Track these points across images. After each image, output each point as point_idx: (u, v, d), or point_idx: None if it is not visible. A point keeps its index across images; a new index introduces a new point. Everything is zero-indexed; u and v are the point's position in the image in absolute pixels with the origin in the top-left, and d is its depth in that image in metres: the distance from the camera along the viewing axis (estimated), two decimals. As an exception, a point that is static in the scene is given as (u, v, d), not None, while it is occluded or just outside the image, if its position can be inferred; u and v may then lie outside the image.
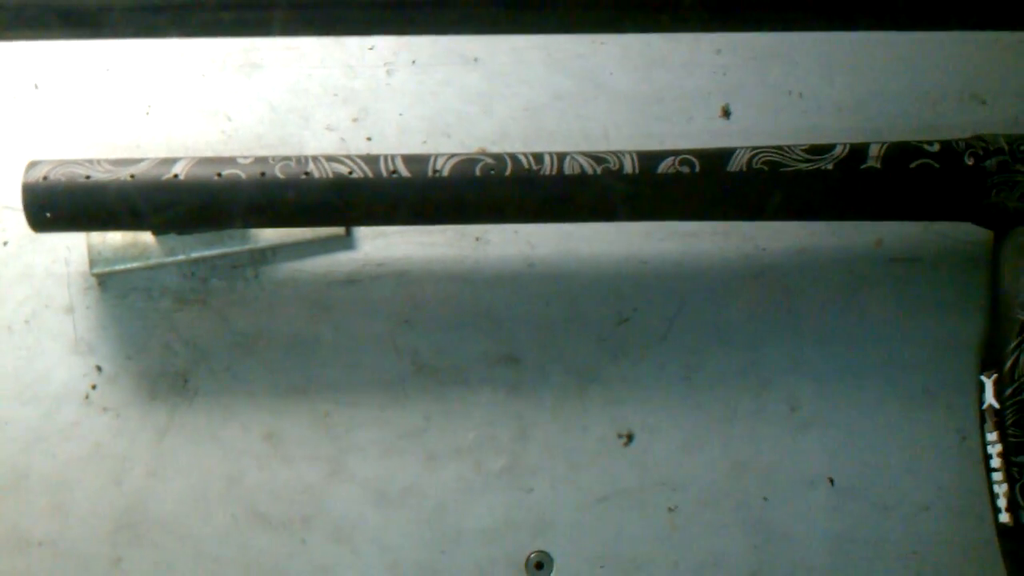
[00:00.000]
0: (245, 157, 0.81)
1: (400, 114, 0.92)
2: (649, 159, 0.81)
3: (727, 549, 0.89)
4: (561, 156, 0.81)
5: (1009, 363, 0.80)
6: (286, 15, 0.77)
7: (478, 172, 0.80)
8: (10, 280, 0.89)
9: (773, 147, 0.81)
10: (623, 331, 0.90)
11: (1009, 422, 0.79)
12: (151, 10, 0.73)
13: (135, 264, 0.88)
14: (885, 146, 0.81)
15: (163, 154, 0.83)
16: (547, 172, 0.80)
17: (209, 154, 0.82)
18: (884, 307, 0.91)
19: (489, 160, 0.80)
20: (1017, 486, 0.79)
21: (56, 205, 0.80)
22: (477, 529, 0.89)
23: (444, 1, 0.79)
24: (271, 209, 0.80)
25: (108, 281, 0.89)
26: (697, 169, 0.80)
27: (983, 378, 0.82)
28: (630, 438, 0.90)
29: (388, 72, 0.92)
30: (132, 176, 0.80)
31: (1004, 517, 0.80)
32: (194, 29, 0.76)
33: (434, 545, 0.89)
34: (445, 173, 0.80)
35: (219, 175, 0.80)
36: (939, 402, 0.90)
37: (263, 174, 0.80)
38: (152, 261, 0.88)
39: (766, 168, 0.80)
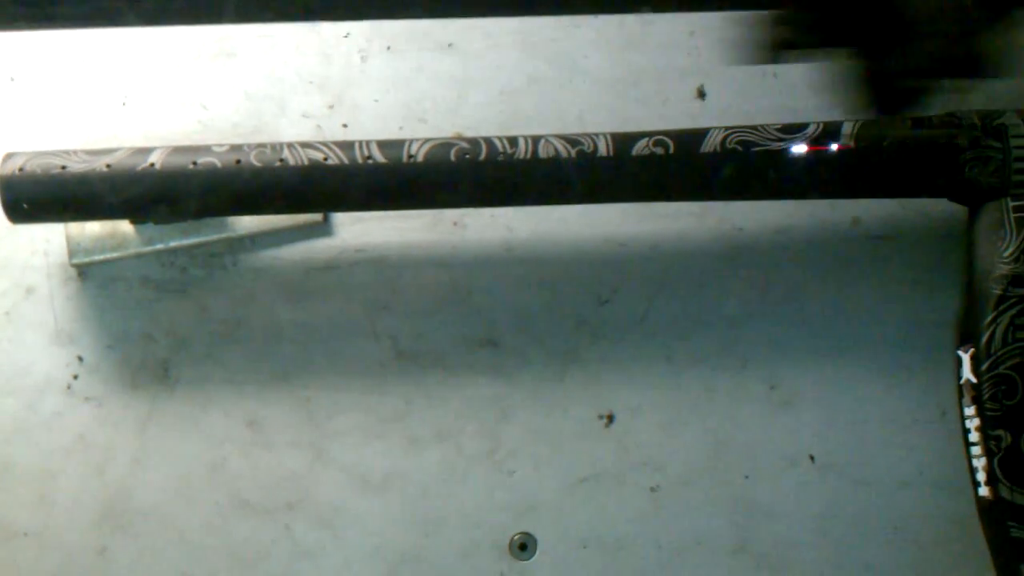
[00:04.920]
0: (220, 145, 0.81)
1: (376, 100, 0.92)
2: (623, 141, 0.81)
3: (709, 527, 0.90)
4: (536, 139, 0.81)
5: (985, 337, 0.80)
6: (261, 1, 0.77)
7: (453, 157, 0.80)
8: (-11, 273, 0.90)
9: (747, 127, 0.81)
10: (602, 313, 0.91)
11: (986, 396, 0.80)
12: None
13: (114, 254, 0.88)
14: (858, 124, 0.81)
15: (140, 144, 0.83)
16: (522, 156, 0.80)
17: (186, 143, 0.83)
18: (862, 284, 0.91)
19: (464, 144, 0.81)
20: (995, 460, 0.79)
21: (33, 196, 0.80)
22: (460, 512, 0.89)
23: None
24: (247, 196, 0.81)
25: (88, 271, 0.89)
26: (671, 150, 0.81)
27: (960, 353, 0.82)
28: (611, 419, 0.90)
29: (363, 58, 0.92)
30: (108, 166, 0.80)
31: (984, 491, 0.80)
32: (169, 16, 0.76)
33: (418, 529, 0.89)
34: (420, 158, 0.80)
35: (194, 163, 0.80)
36: (918, 378, 0.91)
37: (238, 162, 0.80)
38: (131, 251, 0.88)
39: (740, 148, 0.81)
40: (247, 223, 0.89)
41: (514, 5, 0.84)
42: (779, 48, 0.77)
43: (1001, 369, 0.79)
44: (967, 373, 0.81)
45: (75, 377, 0.89)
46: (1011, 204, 0.81)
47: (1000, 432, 0.79)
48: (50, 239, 0.89)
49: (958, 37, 0.73)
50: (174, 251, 0.89)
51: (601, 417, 0.90)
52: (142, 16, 0.68)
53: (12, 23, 0.68)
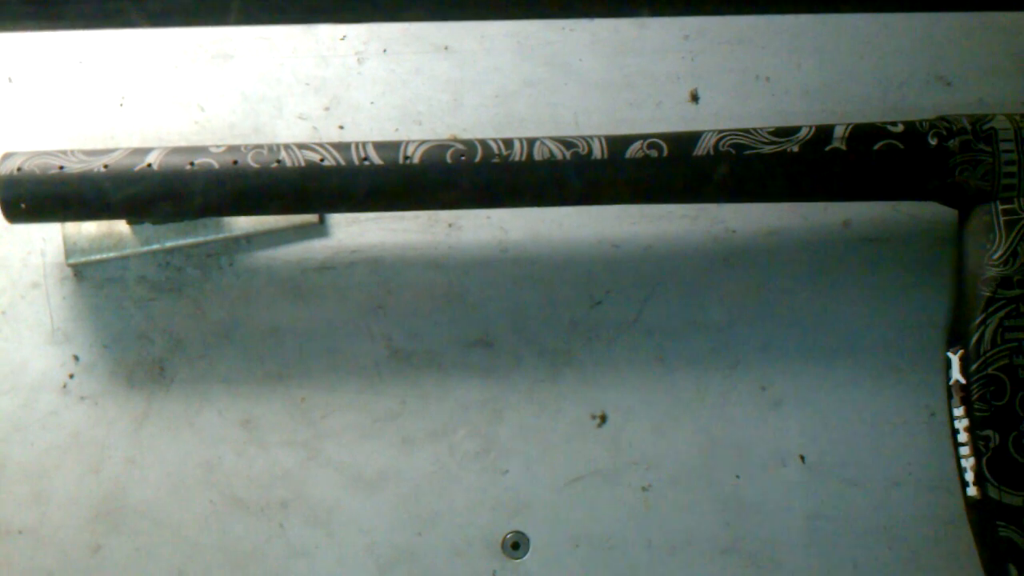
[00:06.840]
0: (217, 146, 0.81)
1: (372, 102, 0.92)
2: (617, 143, 0.81)
3: (700, 527, 0.90)
4: (531, 141, 0.81)
5: (974, 339, 0.81)
6: (258, 4, 0.77)
7: (449, 158, 0.81)
8: (-14, 272, 0.90)
9: (740, 130, 0.82)
10: (596, 314, 0.91)
11: (975, 397, 0.80)
12: None
13: (110, 254, 0.88)
14: (850, 127, 0.82)
15: (138, 145, 0.83)
16: (517, 158, 0.81)
17: (184, 144, 0.83)
18: (852, 286, 0.92)
19: (459, 146, 0.81)
20: (984, 459, 0.80)
21: (30, 196, 0.80)
22: (453, 511, 0.90)
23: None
24: (244, 197, 0.81)
25: (84, 271, 0.90)
26: (665, 153, 0.81)
27: (950, 354, 0.83)
28: (603, 419, 0.91)
29: (359, 60, 0.93)
30: (105, 166, 0.80)
31: (972, 491, 0.81)
32: (167, 18, 0.76)
33: (411, 527, 0.90)
34: (416, 160, 0.81)
35: (191, 164, 0.80)
36: (908, 379, 0.91)
37: (235, 162, 0.80)
38: (127, 251, 0.89)
39: (733, 151, 0.81)
40: (243, 224, 0.89)
41: (509, 8, 0.85)
42: None
43: (990, 370, 0.80)
44: (956, 374, 0.82)
45: (71, 376, 0.89)
46: (1000, 207, 0.81)
47: (989, 432, 0.80)
48: (47, 239, 0.89)
49: None
50: (170, 251, 0.89)
51: (594, 417, 0.91)
52: (146, 17, 0.69)
53: (19, 23, 0.68)
